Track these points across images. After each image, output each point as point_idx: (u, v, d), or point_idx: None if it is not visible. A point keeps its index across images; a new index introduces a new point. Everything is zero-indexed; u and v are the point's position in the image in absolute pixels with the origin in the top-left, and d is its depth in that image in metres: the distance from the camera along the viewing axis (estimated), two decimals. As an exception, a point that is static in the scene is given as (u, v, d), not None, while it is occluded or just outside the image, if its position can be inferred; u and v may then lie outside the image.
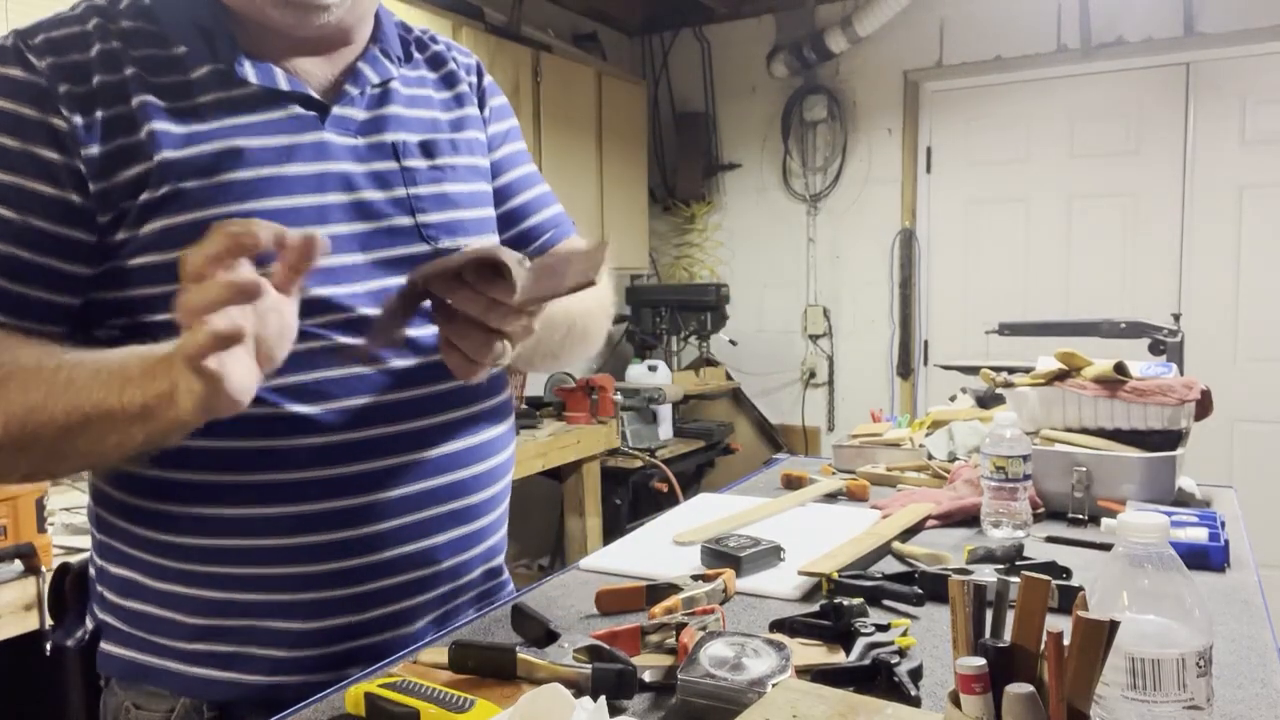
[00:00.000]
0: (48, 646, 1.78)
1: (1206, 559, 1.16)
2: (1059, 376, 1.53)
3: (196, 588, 0.88)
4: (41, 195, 0.81)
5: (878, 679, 0.82)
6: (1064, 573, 1.07)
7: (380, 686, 0.78)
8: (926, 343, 4.32)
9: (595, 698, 0.70)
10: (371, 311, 0.89)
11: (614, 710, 0.71)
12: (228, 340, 0.61)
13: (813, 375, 4.49)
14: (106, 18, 0.85)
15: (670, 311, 4.22)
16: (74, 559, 1.05)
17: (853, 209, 4.37)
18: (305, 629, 0.90)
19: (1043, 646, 0.60)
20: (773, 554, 1.18)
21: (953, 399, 2.09)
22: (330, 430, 0.88)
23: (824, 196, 4.43)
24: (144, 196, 0.82)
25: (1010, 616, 0.62)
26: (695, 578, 1.07)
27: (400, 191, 0.93)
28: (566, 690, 0.70)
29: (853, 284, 4.40)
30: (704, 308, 4.17)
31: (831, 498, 1.57)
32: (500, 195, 1.08)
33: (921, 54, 4.15)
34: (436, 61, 1.04)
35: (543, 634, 0.87)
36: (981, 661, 0.61)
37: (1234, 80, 3.67)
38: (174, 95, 0.85)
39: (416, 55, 1.02)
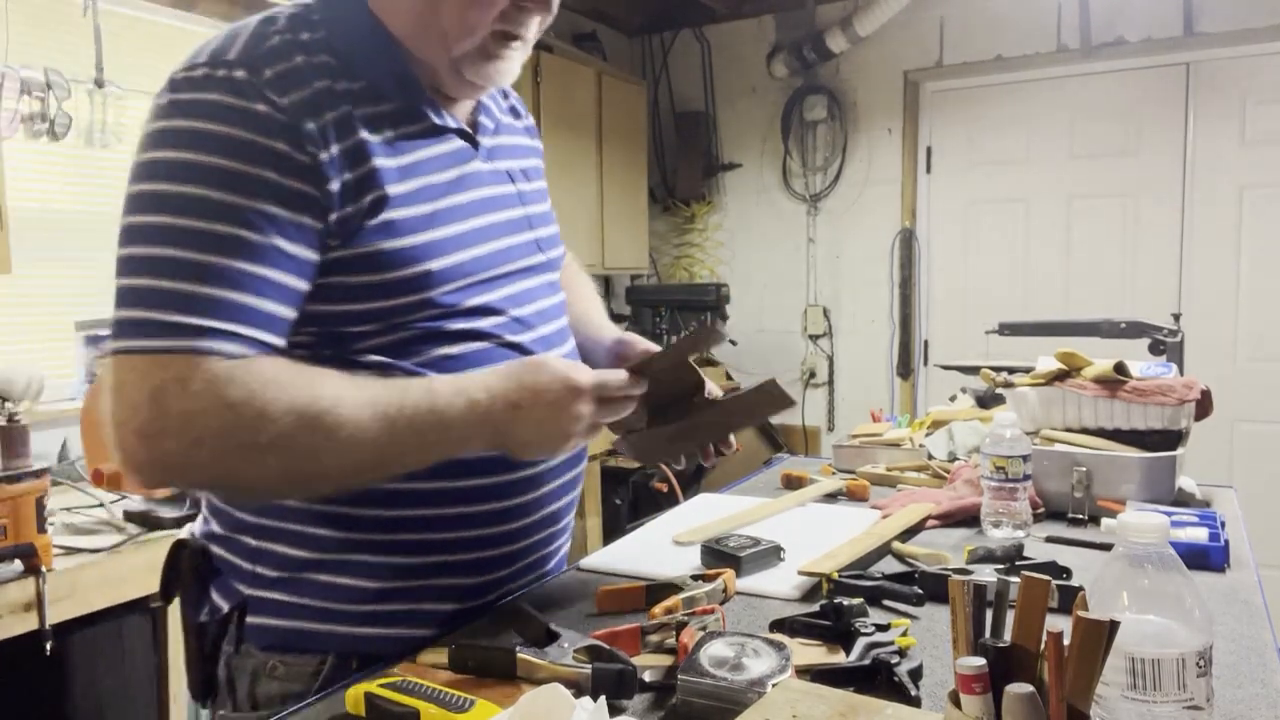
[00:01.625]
0: (47, 646, 1.78)
1: (1206, 559, 1.16)
2: (1059, 376, 1.53)
3: (381, 555, 0.99)
4: (299, 225, 0.89)
5: (878, 679, 0.82)
6: (1064, 573, 1.07)
7: (380, 686, 0.78)
8: (926, 343, 4.32)
9: (595, 698, 0.70)
10: (518, 311, 1.05)
11: (614, 710, 0.71)
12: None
13: (813, 375, 4.49)
14: (307, 53, 0.92)
15: (670, 311, 4.22)
16: (184, 533, 1.10)
17: (853, 209, 4.37)
18: (469, 584, 1.03)
19: (1043, 646, 0.60)
20: (773, 554, 1.18)
21: (953, 399, 2.09)
22: None
23: (824, 196, 4.42)
24: (368, 223, 0.92)
25: (1010, 616, 0.62)
26: (695, 578, 1.07)
27: (519, 211, 1.10)
28: (566, 690, 0.70)
29: (853, 284, 4.40)
30: (704, 308, 4.16)
31: (831, 498, 1.57)
32: None
33: (921, 54, 4.15)
34: (515, 108, 1.22)
35: (543, 634, 0.87)
36: (981, 661, 0.61)
37: (1234, 80, 3.67)
38: (377, 129, 0.95)
39: (502, 101, 1.19)
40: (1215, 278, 3.74)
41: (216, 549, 1.04)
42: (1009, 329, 2.48)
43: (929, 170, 4.26)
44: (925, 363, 4.31)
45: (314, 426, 0.84)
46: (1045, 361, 1.58)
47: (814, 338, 4.49)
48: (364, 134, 0.93)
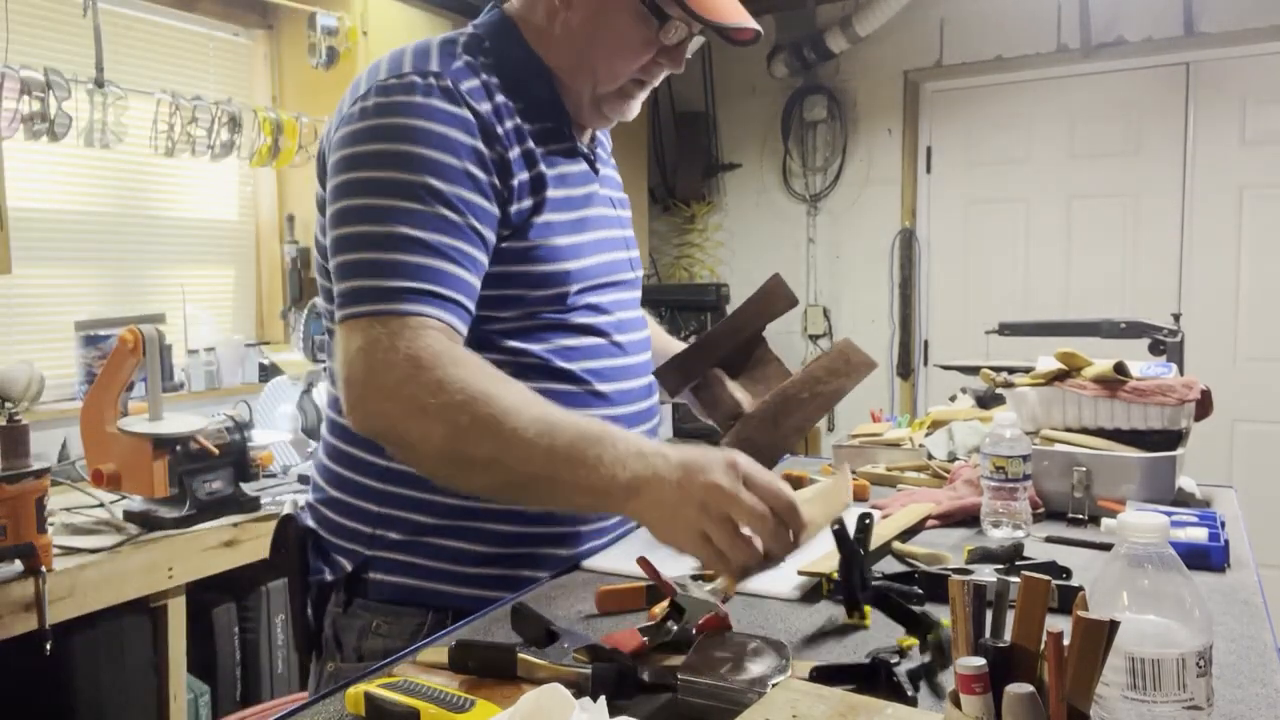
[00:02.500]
0: (47, 646, 1.78)
1: (1206, 559, 1.16)
2: (1059, 376, 1.53)
3: (492, 522, 1.10)
4: (488, 211, 1.04)
5: (878, 679, 0.82)
6: (1064, 573, 1.07)
7: (380, 686, 0.78)
8: (926, 343, 4.32)
9: (595, 698, 0.70)
10: (619, 315, 1.19)
11: (614, 710, 0.71)
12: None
13: (813, 375, 4.48)
14: (485, 73, 1.08)
15: (670, 312, 4.22)
16: (288, 509, 1.22)
17: (853, 209, 4.37)
18: (564, 554, 1.16)
19: (1043, 646, 0.60)
20: (773, 554, 1.17)
21: (953, 399, 2.09)
22: (609, 403, 1.14)
23: (824, 197, 4.43)
24: (534, 219, 1.08)
25: (1010, 616, 0.62)
26: (695, 578, 1.07)
27: (620, 232, 1.25)
28: (566, 690, 0.70)
29: (853, 284, 4.40)
30: (704, 308, 4.17)
31: (831, 498, 1.57)
32: None
33: (921, 54, 4.15)
34: (604, 143, 1.35)
35: (543, 634, 0.87)
36: (981, 661, 0.61)
37: (1234, 80, 3.67)
38: (540, 142, 1.10)
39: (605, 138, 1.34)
40: (1215, 278, 3.74)
41: (334, 514, 1.15)
42: (1009, 329, 2.48)
43: (929, 170, 4.26)
44: (925, 363, 4.32)
45: (480, 412, 0.91)
46: (1045, 361, 1.58)
47: (814, 338, 4.49)
48: (532, 144, 1.09)
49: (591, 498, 0.94)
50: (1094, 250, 3.94)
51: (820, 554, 1.16)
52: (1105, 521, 1.34)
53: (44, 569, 1.78)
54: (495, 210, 1.04)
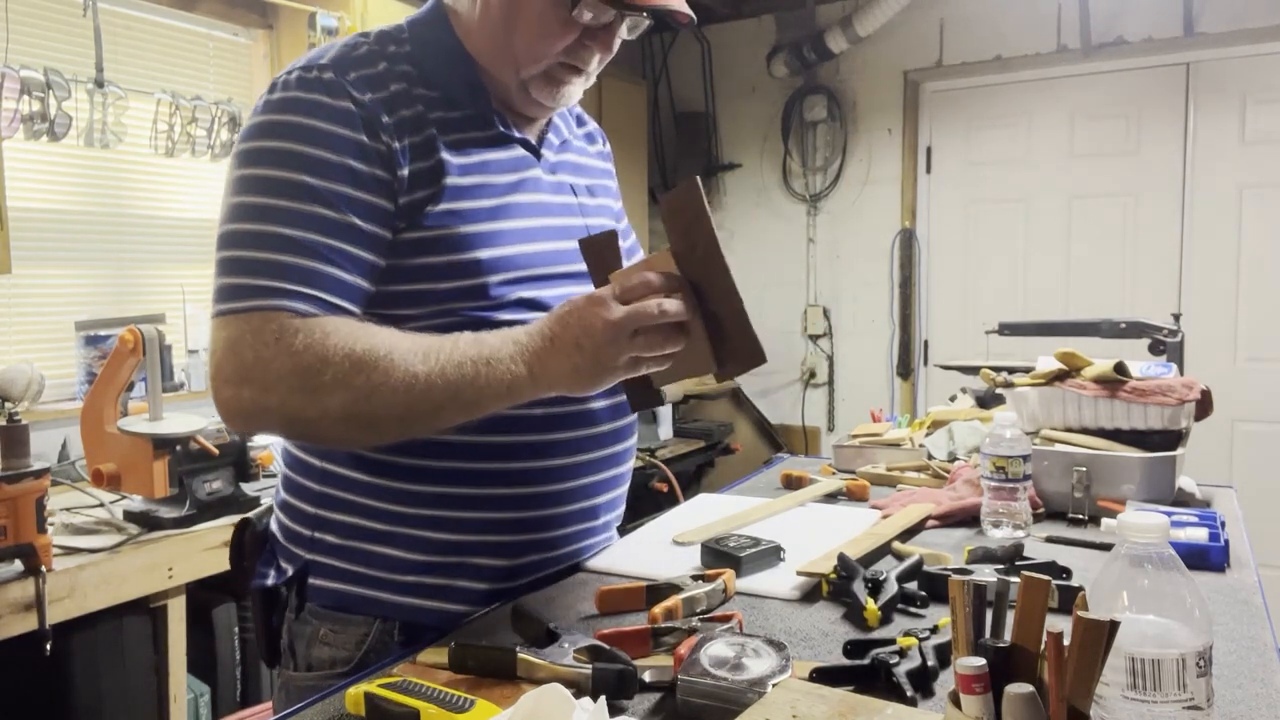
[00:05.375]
0: (47, 646, 1.78)
1: (1206, 559, 1.16)
2: (1059, 376, 1.53)
3: (425, 530, 1.07)
4: (373, 205, 1.01)
5: (878, 679, 0.82)
6: (1064, 573, 1.07)
7: (380, 686, 0.78)
8: (926, 343, 4.32)
9: (595, 698, 0.70)
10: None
11: (614, 710, 0.71)
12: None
13: (813, 375, 4.49)
14: (390, 62, 1.07)
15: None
16: (253, 514, 1.20)
17: (853, 209, 4.37)
18: (501, 565, 1.10)
19: (1043, 646, 0.60)
20: (773, 554, 1.18)
21: (953, 399, 2.09)
22: (536, 403, 1.04)
23: (824, 196, 4.43)
24: (430, 209, 1.03)
25: (1010, 616, 0.62)
26: (695, 578, 1.07)
27: (579, 220, 1.19)
28: (566, 690, 0.70)
29: (853, 284, 4.40)
30: (704, 308, 4.15)
31: (831, 498, 1.57)
32: None
33: (921, 54, 4.15)
34: (590, 134, 1.34)
35: (543, 634, 0.87)
36: (981, 661, 0.61)
37: (1234, 80, 3.67)
38: (447, 130, 1.07)
39: (576, 127, 1.30)
40: (1215, 278, 3.74)
41: (283, 517, 1.14)
42: (1009, 329, 2.48)
43: (929, 170, 4.26)
44: (925, 363, 4.31)
45: (370, 368, 0.92)
46: (1045, 361, 1.58)
47: (814, 338, 4.49)
48: (433, 132, 1.05)
49: (504, 398, 0.95)
50: (1094, 250, 3.94)
51: (820, 554, 1.16)
52: (1105, 521, 1.34)
53: (44, 569, 1.78)
54: (384, 203, 1.01)
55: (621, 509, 1.26)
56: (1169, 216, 3.81)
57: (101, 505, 2.21)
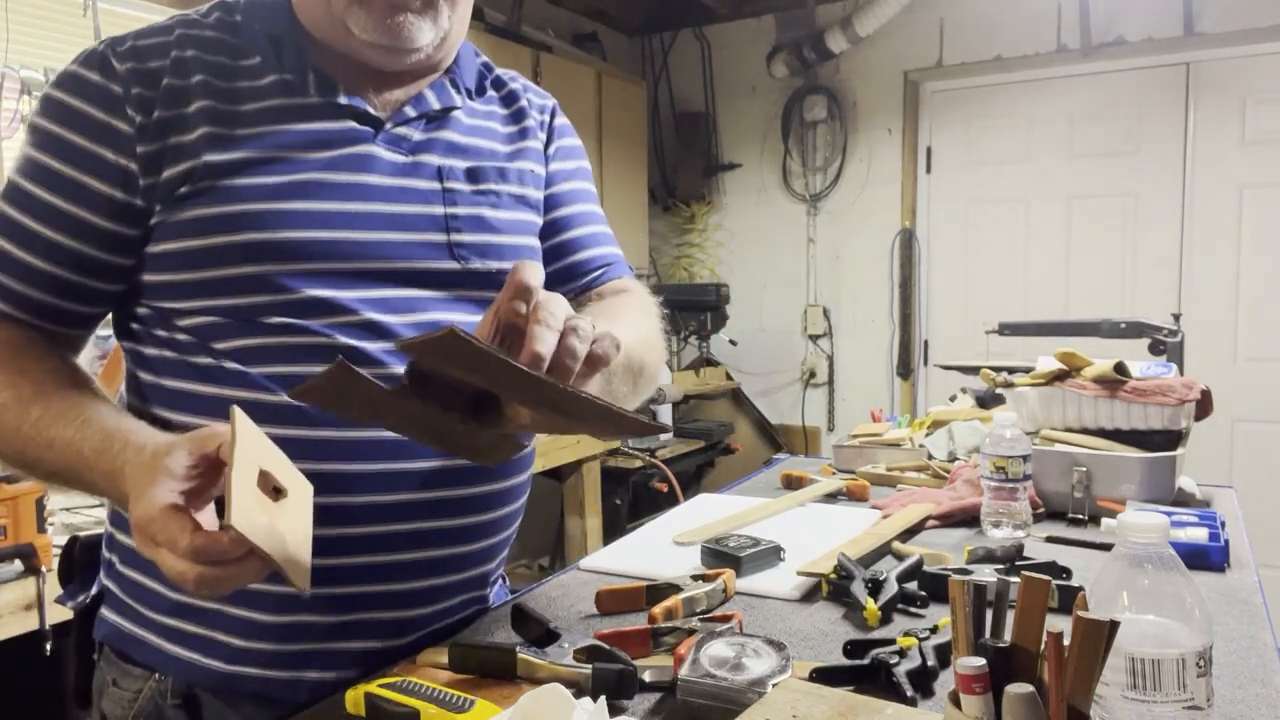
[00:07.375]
0: (47, 646, 1.78)
1: (1206, 559, 1.16)
2: (1059, 376, 1.53)
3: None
4: (96, 191, 0.89)
5: (878, 679, 0.82)
6: (1064, 573, 1.07)
7: (380, 686, 0.78)
8: (926, 343, 4.32)
9: (595, 698, 0.70)
10: (382, 318, 0.91)
11: (614, 710, 0.71)
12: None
13: (813, 375, 4.49)
14: (191, 28, 0.94)
15: (670, 311, 4.21)
16: (84, 533, 1.08)
17: (853, 209, 4.37)
18: (266, 621, 0.90)
19: (1043, 646, 0.60)
20: (773, 554, 1.18)
21: (953, 399, 2.09)
22: (321, 425, 0.88)
23: (824, 197, 4.42)
24: (183, 190, 0.88)
25: (1010, 616, 0.62)
26: (695, 578, 1.07)
27: (438, 209, 0.96)
28: (566, 690, 0.70)
29: (853, 284, 4.40)
30: (704, 308, 4.16)
31: (831, 498, 1.57)
32: (553, 228, 1.11)
33: (921, 54, 4.15)
34: (509, 98, 1.11)
35: (543, 634, 0.87)
36: (981, 661, 0.61)
37: (1234, 80, 3.67)
38: (233, 100, 0.91)
39: (491, 91, 1.09)
40: (1215, 278, 3.74)
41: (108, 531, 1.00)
42: (1009, 329, 2.48)
43: (929, 170, 4.26)
44: (925, 363, 4.31)
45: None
46: (1045, 361, 1.58)
47: (814, 338, 4.49)
48: (207, 102, 0.90)
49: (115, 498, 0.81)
50: (1094, 250, 3.94)
51: (820, 554, 1.16)
52: (1105, 521, 1.34)
53: (44, 569, 1.77)
54: (123, 195, 0.88)
55: (476, 588, 1.02)
56: (1169, 216, 3.81)
57: (101, 505, 2.21)
